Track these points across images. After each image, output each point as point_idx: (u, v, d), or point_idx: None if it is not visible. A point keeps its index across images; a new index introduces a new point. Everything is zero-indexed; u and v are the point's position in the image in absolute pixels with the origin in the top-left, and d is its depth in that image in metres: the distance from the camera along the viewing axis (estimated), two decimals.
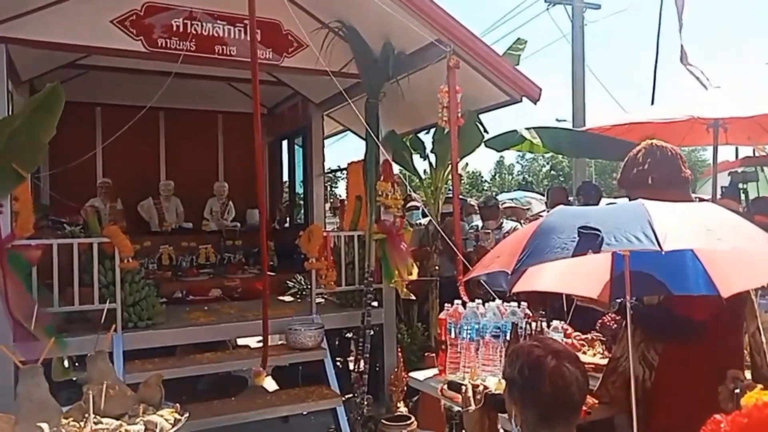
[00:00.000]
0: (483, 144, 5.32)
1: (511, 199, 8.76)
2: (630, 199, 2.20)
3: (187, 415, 2.43)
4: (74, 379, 4.25)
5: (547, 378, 1.49)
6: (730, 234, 1.38)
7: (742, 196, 5.67)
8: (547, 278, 1.89)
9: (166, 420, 2.33)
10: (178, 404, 2.50)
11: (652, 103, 8.08)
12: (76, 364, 5.75)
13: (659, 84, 8.92)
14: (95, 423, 2.20)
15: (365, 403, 4.64)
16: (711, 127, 4.99)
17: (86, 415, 2.23)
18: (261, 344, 4.51)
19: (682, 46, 6.03)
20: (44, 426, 2.13)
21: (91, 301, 4.26)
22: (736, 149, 7.10)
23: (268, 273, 6.72)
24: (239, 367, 5.00)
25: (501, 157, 40.27)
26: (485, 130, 5.31)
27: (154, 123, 7.99)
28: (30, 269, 4.01)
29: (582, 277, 1.94)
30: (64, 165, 5.20)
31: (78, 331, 4.21)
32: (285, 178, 8.98)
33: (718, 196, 5.35)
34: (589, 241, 1.33)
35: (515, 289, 1.72)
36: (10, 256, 3.86)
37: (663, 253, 1.24)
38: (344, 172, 8.24)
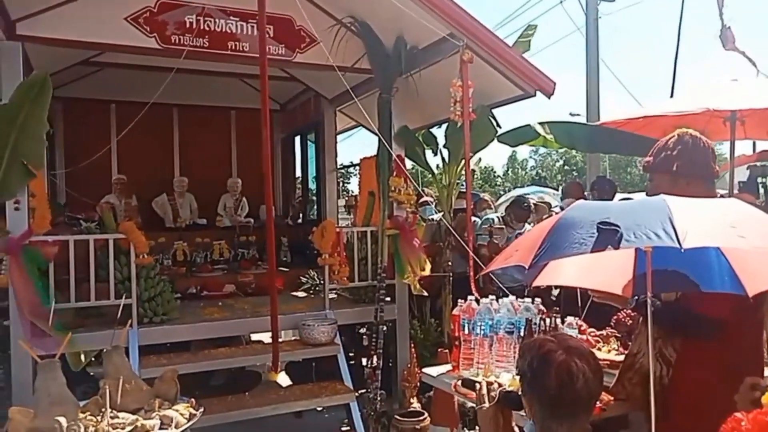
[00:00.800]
0: (496, 139, 5.28)
1: (525, 194, 8.69)
2: (651, 185, 2.17)
3: (202, 409, 2.45)
4: (91, 373, 4.31)
5: (553, 372, 1.50)
6: (754, 232, 1.35)
7: (761, 190, 5.57)
8: (569, 273, 1.86)
9: (182, 415, 2.34)
10: (193, 399, 2.52)
11: (672, 95, 7.96)
12: (93, 359, 5.82)
13: (678, 76, 8.80)
14: (112, 417, 2.22)
15: (378, 398, 4.65)
16: (728, 121, 4.92)
17: (103, 410, 2.26)
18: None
19: (728, 28, 5.70)
20: (62, 420, 2.16)
21: (107, 296, 4.31)
22: (753, 143, 6.99)
23: (282, 269, 6.79)
24: (253, 362, 5.02)
25: (514, 152, 40.13)
26: (498, 125, 5.27)
27: (168, 119, 8.05)
28: (47, 265, 4.06)
29: (605, 272, 1.91)
30: (80, 162, 5.25)
31: (94, 326, 4.27)
32: (298, 173, 9.01)
33: (735, 191, 5.27)
34: (608, 236, 1.31)
35: (536, 283, 1.71)
36: (27, 252, 3.92)
37: (682, 250, 1.22)
38: (356, 167, 8.26)
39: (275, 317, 4.04)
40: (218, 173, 8.16)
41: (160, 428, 2.20)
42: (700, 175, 2.08)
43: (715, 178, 2.15)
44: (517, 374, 1.61)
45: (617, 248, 1.30)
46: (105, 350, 2.61)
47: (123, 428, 2.17)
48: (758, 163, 5.77)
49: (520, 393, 1.63)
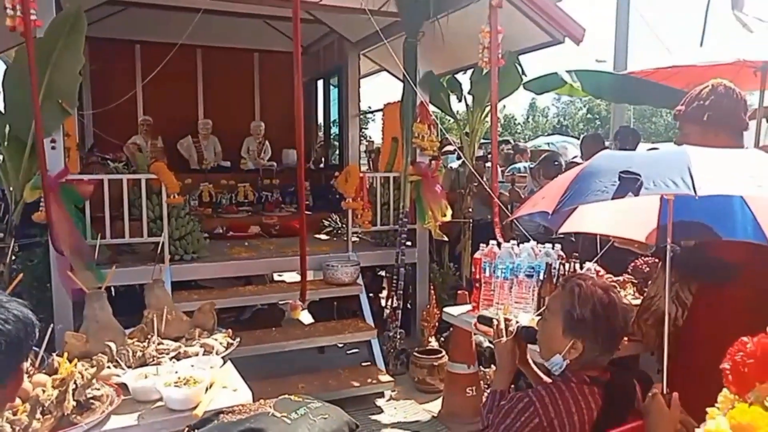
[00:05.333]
0: (522, 86, 5.24)
1: (548, 144, 8.62)
2: (680, 134, 2.21)
3: (238, 339, 2.62)
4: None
5: (620, 313, 1.69)
6: None
7: None
8: (596, 221, 1.95)
9: (220, 343, 2.51)
10: (230, 330, 2.69)
11: (701, 44, 7.74)
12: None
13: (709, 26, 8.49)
14: (157, 344, 2.39)
15: (398, 336, 4.84)
16: (759, 71, 4.82)
17: (149, 336, 2.43)
18: (296, 280, 4.68)
19: None
20: (111, 345, 2.34)
21: (140, 234, 4.48)
22: None
23: (305, 212, 6.94)
24: (278, 300, 5.23)
25: (533, 99, 39.30)
26: (524, 73, 5.22)
27: (192, 61, 8.06)
28: (83, 203, 4.22)
29: (630, 221, 1.99)
30: (106, 103, 5.34)
31: (128, 263, 4.47)
32: (320, 118, 9.03)
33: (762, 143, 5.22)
34: (629, 184, 1.38)
35: (563, 230, 1.80)
36: (64, 190, 4.07)
37: (696, 197, 1.30)
38: (375, 114, 8.23)
39: (304, 257, 4.18)
40: (242, 116, 8.23)
41: (203, 355, 2.37)
42: (730, 127, 2.12)
43: (744, 130, 2.19)
44: (569, 320, 1.69)
45: (637, 195, 1.38)
46: (147, 283, 2.77)
47: (168, 353, 2.34)
48: None
49: (563, 332, 1.71)
